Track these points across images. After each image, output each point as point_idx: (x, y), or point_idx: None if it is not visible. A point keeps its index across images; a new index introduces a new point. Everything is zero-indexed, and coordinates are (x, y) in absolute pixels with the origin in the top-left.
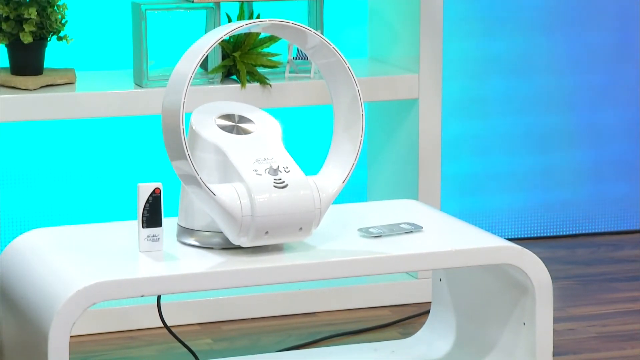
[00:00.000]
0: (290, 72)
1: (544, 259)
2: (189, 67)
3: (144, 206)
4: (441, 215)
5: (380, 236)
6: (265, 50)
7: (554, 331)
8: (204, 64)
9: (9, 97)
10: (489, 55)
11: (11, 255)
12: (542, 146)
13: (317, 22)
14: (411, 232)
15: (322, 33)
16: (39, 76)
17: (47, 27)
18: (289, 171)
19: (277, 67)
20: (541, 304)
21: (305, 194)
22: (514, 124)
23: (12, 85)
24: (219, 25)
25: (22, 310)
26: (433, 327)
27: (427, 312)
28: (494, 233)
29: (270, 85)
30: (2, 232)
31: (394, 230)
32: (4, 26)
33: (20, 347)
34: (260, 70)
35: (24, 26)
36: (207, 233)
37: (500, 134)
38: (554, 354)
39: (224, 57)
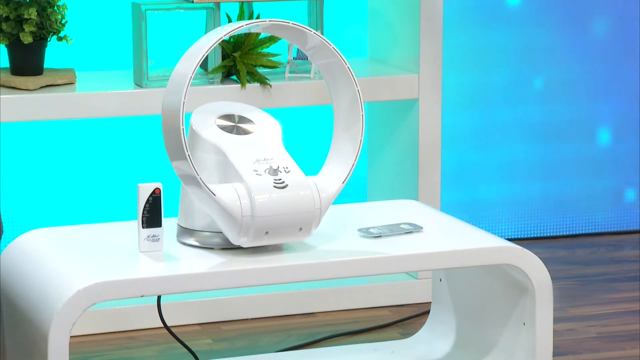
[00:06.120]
0: (290, 72)
1: (544, 259)
2: (189, 67)
3: (144, 206)
4: (441, 215)
5: (380, 236)
6: (265, 50)
7: (554, 331)
8: (204, 64)
9: (9, 97)
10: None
11: (11, 255)
12: (542, 147)
13: (317, 22)
14: (411, 232)
15: (322, 33)
16: (39, 76)
17: (47, 28)
18: (289, 171)
19: (277, 67)
20: (541, 304)
21: (305, 194)
22: (514, 123)
23: (12, 85)
24: (219, 25)
25: (22, 310)
26: (433, 327)
27: (427, 312)
28: (494, 233)
29: (270, 86)
30: (2, 232)
31: (394, 230)
32: (4, 26)
33: (20, 347)
34: (260, 70)
35: (24, 26)
36: (207, 233)
37: (500, 133)
38: (554, 354)
39: (224, 58)
